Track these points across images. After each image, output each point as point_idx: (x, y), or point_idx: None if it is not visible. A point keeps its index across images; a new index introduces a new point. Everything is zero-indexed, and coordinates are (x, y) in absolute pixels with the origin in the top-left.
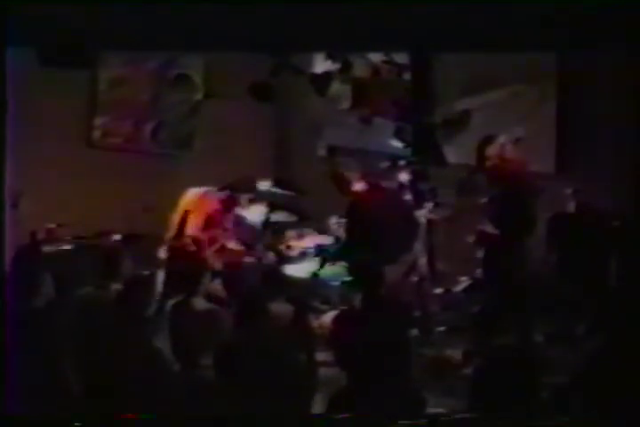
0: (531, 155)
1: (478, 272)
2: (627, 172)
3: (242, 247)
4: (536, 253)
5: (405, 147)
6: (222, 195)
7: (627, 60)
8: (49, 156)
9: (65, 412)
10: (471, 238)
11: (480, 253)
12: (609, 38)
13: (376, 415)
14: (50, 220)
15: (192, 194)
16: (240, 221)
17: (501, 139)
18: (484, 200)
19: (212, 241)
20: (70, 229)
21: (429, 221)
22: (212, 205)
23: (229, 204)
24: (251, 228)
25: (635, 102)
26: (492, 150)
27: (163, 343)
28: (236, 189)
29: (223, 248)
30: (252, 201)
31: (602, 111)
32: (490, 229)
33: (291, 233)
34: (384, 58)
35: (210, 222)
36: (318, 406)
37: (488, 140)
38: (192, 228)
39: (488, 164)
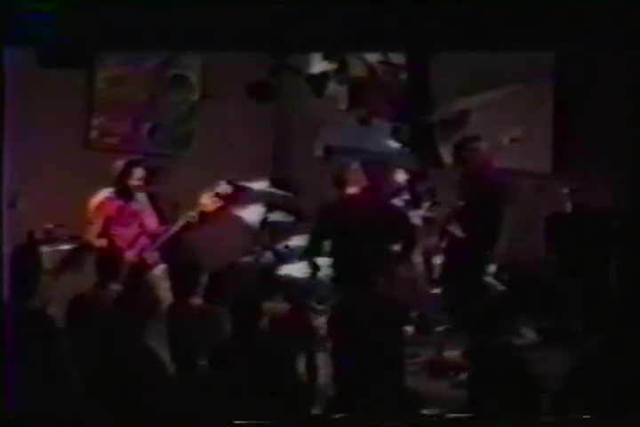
0: (528, 154)
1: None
2: (624, 171)
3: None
4: (533, 252)
5: (403, 147)
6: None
7: (625, 59)
8: (46, 155)
9: (65, 412)
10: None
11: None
12: (607, 38)
13: (374, 415)
14: (47, 220)
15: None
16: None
17: (478, 143)
18: (457, 202)
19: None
20: (68, 230)
21: (427, 221)
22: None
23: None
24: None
25: (633, 102)
26: (468, 152)
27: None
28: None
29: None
30: (249, 201)
31: (599, 111)
32: (457, 231)
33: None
34: (380, 58)
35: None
36: (317, 405)
37: (465, 141)
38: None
39: (465, 166)
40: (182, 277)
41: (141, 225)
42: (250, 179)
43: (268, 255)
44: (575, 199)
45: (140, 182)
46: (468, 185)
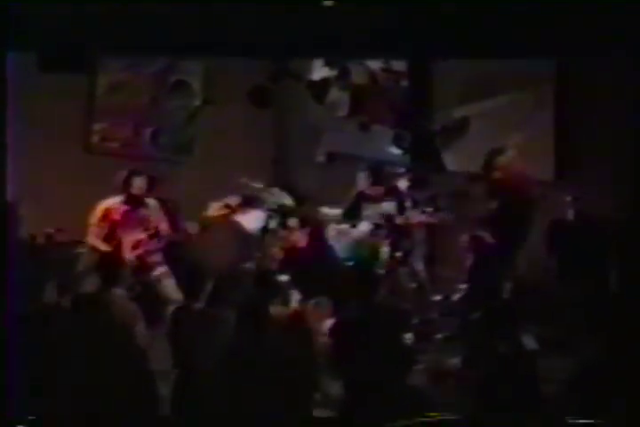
0: (530, 162)
1: (464, 278)
2: (626, 178)
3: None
4: (536, 259)
5: (404, 154)
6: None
7: (626, 66)
8: (48, 160)
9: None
10: (464, 243)
11: (470, 260)
12: (608, 44)
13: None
14: (49, 224)
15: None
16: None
17: (510, 152)
18: (487, 209)
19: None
20: (69, 234)
21: (428, 227)
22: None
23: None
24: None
25: (634, 108)
26: (501, 161)
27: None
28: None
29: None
30: (250, 206)
31: (601, 118)
32: (486, 236)
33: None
34: (382, 65)
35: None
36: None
37: (498, 151)
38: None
39: (496, 174)
40: (186, 283)
41: (147, 229)
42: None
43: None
44: (577, 207)
45: (141, 191)
46: (500, 193)
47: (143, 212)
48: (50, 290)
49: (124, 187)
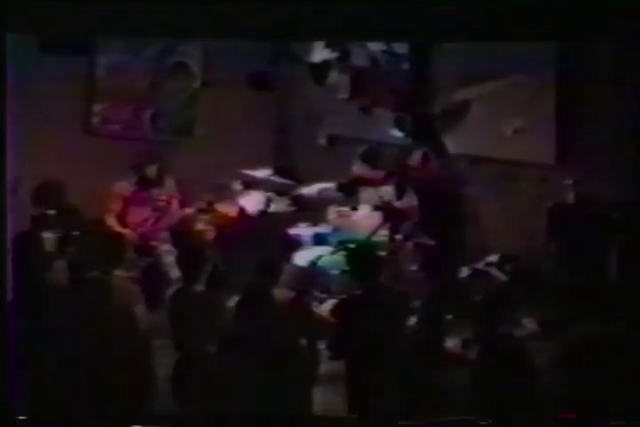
0: (531, 146)
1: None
2: (627, 162)
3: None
4: (536, 243)
5: (406, 137)
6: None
7: (627, 48)
8: (48, 142)
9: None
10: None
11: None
12: (609, 27)
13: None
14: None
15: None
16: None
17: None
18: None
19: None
20: (69, 216)
21: None
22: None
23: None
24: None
25: (636, 91)
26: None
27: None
28: None
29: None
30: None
31: (602, 101)
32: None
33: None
34: (383, 47)
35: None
36: (319, 395)
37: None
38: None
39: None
40: (187, 264)
41: (156, 209)
42: (252, 167)
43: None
44: (578, 191)
45: (154, 177)
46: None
47: (155, 191)
48: (51, 273)
49: (138, 172)
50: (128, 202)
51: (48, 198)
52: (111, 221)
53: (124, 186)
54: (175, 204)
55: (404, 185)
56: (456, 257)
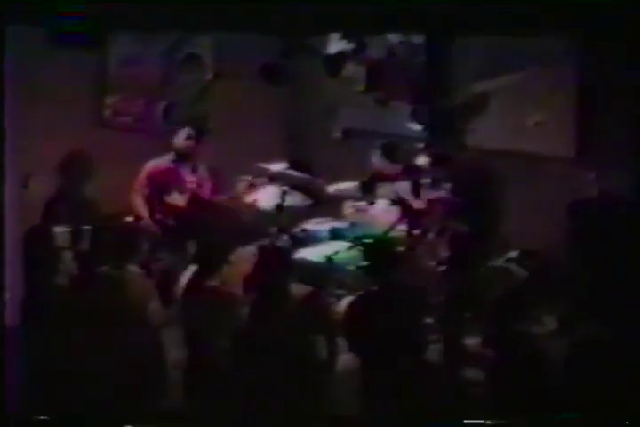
0: (551, 139)
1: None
2: None
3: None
4: (555, 238)
5: (424, 129)
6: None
7: None
8: (60, 135)
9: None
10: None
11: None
12: (627, 18)
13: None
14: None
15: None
16: None
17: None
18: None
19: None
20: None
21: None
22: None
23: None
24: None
25: None
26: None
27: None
28: None
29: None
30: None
31: (622, 93)
32: (457, 226)
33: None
34: (401, 39)
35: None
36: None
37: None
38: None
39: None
40: (202, 261)
41: (183, 192)
42: (266, 160)
43: (285, 239)
44: (599, 185)
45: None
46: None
47: (186, 171)
48: (63, 268)
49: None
50: (159, 179)
51: (60, 192)
52: (137, 201)
53: (158, 162)
54: (206, 189)
55: (419, 182)
56: (488, 250)
